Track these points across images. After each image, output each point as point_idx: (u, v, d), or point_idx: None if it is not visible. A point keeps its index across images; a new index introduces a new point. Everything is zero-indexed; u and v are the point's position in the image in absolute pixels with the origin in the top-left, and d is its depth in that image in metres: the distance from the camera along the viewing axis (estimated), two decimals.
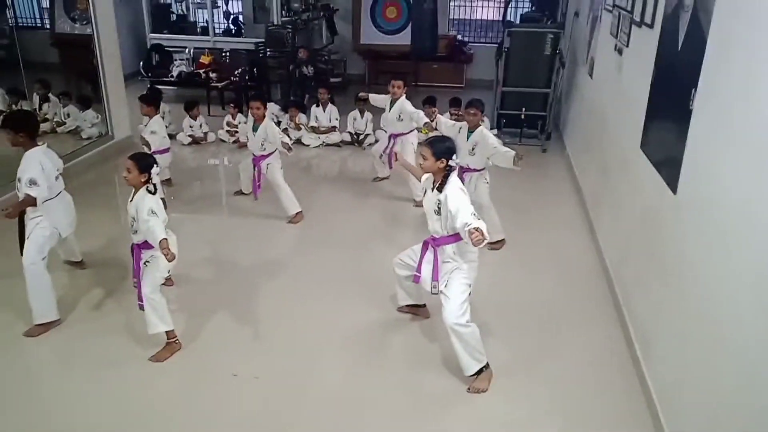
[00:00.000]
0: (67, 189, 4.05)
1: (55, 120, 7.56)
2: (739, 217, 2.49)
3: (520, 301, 4.37)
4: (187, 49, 10.66)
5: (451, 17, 12.50)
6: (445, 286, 3.35)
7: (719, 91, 2.82)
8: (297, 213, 5.61)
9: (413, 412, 3.28)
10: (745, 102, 2.52)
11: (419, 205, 5.52)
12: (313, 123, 8.18)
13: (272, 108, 8.12)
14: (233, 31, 12.42)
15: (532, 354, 3.78)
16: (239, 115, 8.25)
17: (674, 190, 3.24)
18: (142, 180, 3.43)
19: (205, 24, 12.11)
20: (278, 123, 7.76)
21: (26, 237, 3.80)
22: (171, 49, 10.86)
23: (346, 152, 7.97)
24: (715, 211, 2.74)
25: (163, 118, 6.39)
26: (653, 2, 4.12)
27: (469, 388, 3.39)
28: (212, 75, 9.93)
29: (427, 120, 5.41)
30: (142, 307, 3.53)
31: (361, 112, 8.07)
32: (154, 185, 3.48)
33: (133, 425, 3.17)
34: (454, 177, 3.30)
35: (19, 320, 3.92)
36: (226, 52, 10.60)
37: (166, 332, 3.62)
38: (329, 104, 8.21)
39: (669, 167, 3.36)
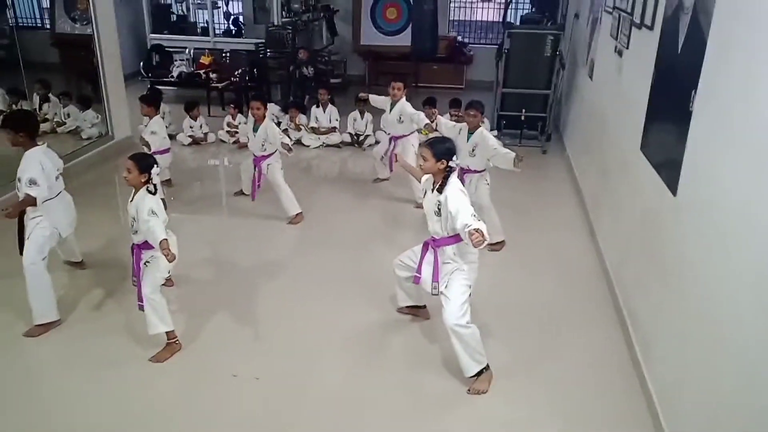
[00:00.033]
0: (67, 189, 4.05)
1: (55, 120, 7.56)
2: (739, 218, 2.50)
3: (520, 302, 4.37)
4: (187, 50, 10.66)
5: (451, 18, 12.51)
6: (446, 287, 3.35)
7: (719, 93, 2.83)
8: (297, 214, 5.61)
9: (413, 413, 3.28)
10: (745, 104, 2.53)
11: (420, 206, 5.53)
12: (313, 124, 8.18)
13: (272, 109, 8.12)
14: (233, 31, 12.42)
15: (533, 355, 3.78)
16: (239, 115, 8.25)
17: (674, 191, 3.25)
18: (143, 180, 3.43)
19: (206, 24, 12.11)
20: (278, 124, 7.75)
21: (26, 237, 3.80)
22: (171, 50, 10.86)
23: (346, 153, 7.97)
24: (715, 212, 2.74)
25: (163, 118, 6.39)
26: (653, 4, 4.13)
27: (469, 390, 3.39)
28: (212, 75, 9.93)
29: (428, 121, 5.41)
30: (142, 308, 3.53)
31: (361, 113, 8.07)
32: (155, 185, 3.48)
33: (133, 425, 3.17)
34: (454, 178, 3.30)
35: (19, 320, 3.92)
36: (226, 52, 10.60)
37: (167, 333, 3.62)
38: (329, 105, 8.21)
39: (669, 169, 3.36)
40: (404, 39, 10.78)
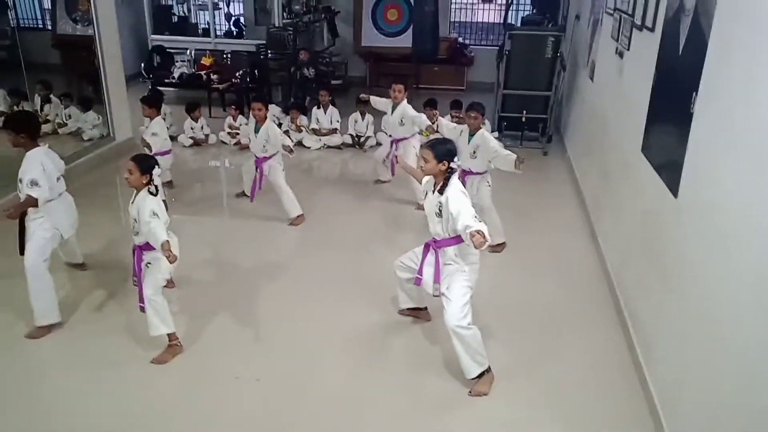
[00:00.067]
0: (68, 190, 4.05)
1: (56, 121, 7.56)
2: (739, 220, 2.50)
3: (521, 303, 4.37)
4: (188, 51, 10.67)
5: (452, 20, 12.52)
6: (447, 288, 3.35)
7: (720, 95, 2.83)
8: (298, 215, 5.61)
9: (414, 415, 3.28)
10: (746, 105, 2.53)
11: (421, 208, 5.53)
12: (314, 125, 8.19)
13: (273, 110, 8.13)
14: (234, 32, 12.43)
15: (534, 357, 3.78)
16: (240, 116, 8.25)
17: (675, 193, 3.25)
18: (144, 181, 3.43)
19: (207, 26, 12.12)
20: (279, 125, 7.74)
21: (28, 238, 3.80)
22: (172, 51, 10.86)
23: (347, 154, 7.97)
24: (716, 214, 2.74)
25: (164, 119, 6.40)
26: (654, 6, 4.13)
27: (470, 392, 3.39)
28: (213, 77, 9.94)
29: (430, 123, 5.41)
30: (143, 309, 3.53)
31: (362, 114, 8.07)
32: (156, 187, 3.48)
33: (134, 426, 3.17)
34: (455, 179, 3.30)
35: (20, 321, 3.93)
36: (227, 53, 10.61)
37: (168, 334, 3.62)
38: (330, 106, 8.22)
39: (670, 171, 3.37)
40: (405, 40, 10.79)
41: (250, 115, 5.55)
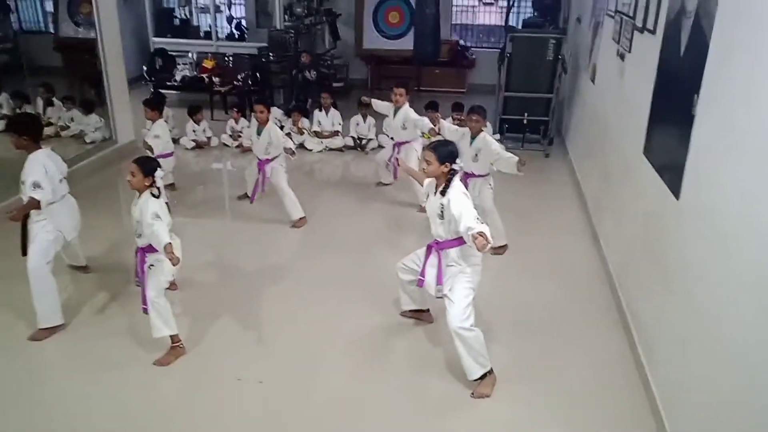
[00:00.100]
0: (70, 193, 4.06)
1: (58, 124, 7.59)
2: (741, 221, 2.50)
3: (523, 305, 4.37)
4: (190, 54, 10.69)
5: (453, 22, 12.52)
6: (450, 290, 3.36)
7: (721, 97, 2.83)
8: (300, 218, 5.62)
9: (416, 417, 3.28)
10: (748, 107, 2.53)
11: (423, 210, 5.52)
12: (315, 127, 8.20)
13: (275, 112, 8.14)
14: (236, 35, 12.43)
15: (536, 358, 3.78)
16: (242, 119, 8.27)
17: (677, 195, 3.25)
18: (146, 184, 3.44)
19: (209, 28, 12.13)
20: (281, 127, 7.74)
21: (31, 241, 3.81)
22: (174, 54, 10.87)
23: (348, 157, 7.98)
24: (717, 216, 2.74)
25: (166, 122, 6.42)
26: (655, 8, 4.13)
27: (473, 393, 3.39)
28: (215, 79, 9.96)
29: (432, 126, 5.42)
30: (146, 311, 3.54)
31: (364, 117, 8.08)
32: (158, 189, 3.49)
33: (136, 428, 3.18)
34: (456, 181, 3.31)
35: (22, 322, 3.94)
36: (229, 56, 10.62)
37: (171, 336, 3.62)
38: (332, 109, 8.22)
39: (671, 172, 3.37)
40: (406, 43, 10.79)
41: (252, 118, 5.56)
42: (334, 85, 10.42)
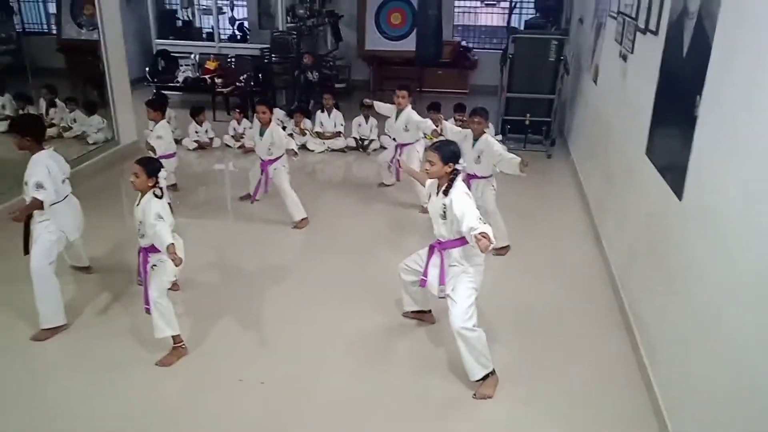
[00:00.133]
0: (73, 194, 4.07)
1: (61, 125, 7.58)
2: (743, 222, 2.50)
3: (525, 306, 4.37)
4: (192, 55, 10.70)
5: (455, 23, 12.52)
6: (452, 290, 3.36)
7: (724, 98, 2.83)
8: (302, 219, 5.62)
9: (418, 418, 3.28)
10: (750, 108, 2.53)
11: (425, 211, 5.53)
12: (318, 128, 8.21)
13: (277, 113, 8.14)
14: (238, 37, 12.44)
15: (538, 359, 3.78)
16: (244, 120, 8.28)
17: (679, 196, 3.25)
18: (150, 184, 3.45)
19: (211, 30, 12.14)
20: (283, 128, 7.76)
21: (33, 241, 3.82)
22: (177, 55, 10.90)
23: (350, 157, 7.99)
24: (720, 217, 2.74)
25: (169, 123, 6.43)
26: (658, 9, 4.13)
27: (475, 394, 3.39)
28: (218, 80, 9.98)
29: (435, 128, 5.42)
30: (148, 311, 3.54)
31: (366, 118, 8.09)
32: (161, 189, 3.49)
33: (138, 428, 3.18)
34: (459, 181, 3.31)
35: (23, 322, 3.94)
36: (231, 57, 10.64)
37: (173, 337, 3.63)
38: (334, 110, 8.23)
39: (674, 173, 3.37)
40: (408, 44, 10.79)
41: (255, 119, 5.56)
42: (336, 86, 10.43)
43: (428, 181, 3.56)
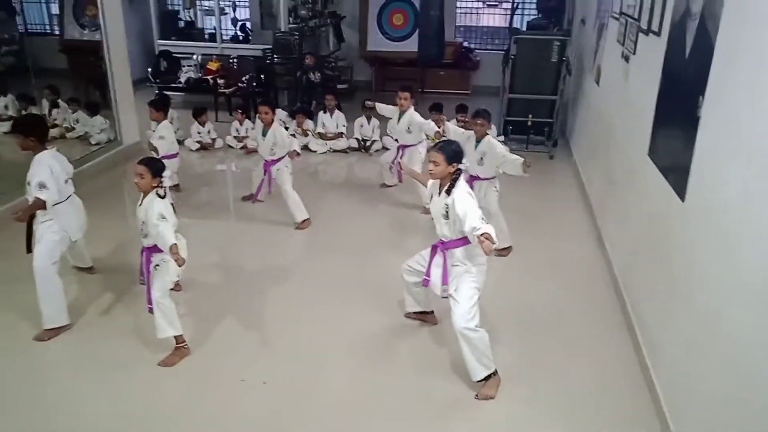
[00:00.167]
0: (76, 194, 4.08)
1: (64, 126, 7.61)
2: (746, 223, 2.50)
3: (527, 306, 4.37)
4: (194, 56, 10.70)
5: (457, 24, 12.52)
6: (455, 290, 3.36)
7: (727, 99, 2.83)
8: (304, 219, 5.62)
9: (420, 418, 3.28)
10: (753, 109, 2.53)
11: (427, 212, 5.53)
12: (320, 129, 8.21)
13: (280, 114, 8.15)
14: (241, 37, 12.46)
15: (540, 359, 3.78)
16: (247, 120, 8.29)
17: (682, 197, 3.25)
18: (154, 185, 3.45)
19: (213, 31, 12.15)
20: (286, 129, 7.77)
21: (37, 241, 3.83)
22: (179, 56, 10.90)
23: (353, 158, 7.99)
24: (722, 217, 2.74)
25: (171, 123, 6.43)
26: (660, 10, 4.13)
27: (477, 395, 3.39)
28: (220, 81, 9.98)
29: (438, 129, 5.42)
30: (151, 310, 3.55)
31: (368, 119, 8.09)
32: (164, 189, 3.50)
33: (140, 428, 3.19)
34: (461, 181, 3.31)
35: (26, 322, 3.95)
36: (233, 58, 10.64)
37: (175, 337, 3.63)
38: (336, 110, 8.24)
39: (677, 174, 3.36)
40: (411, 45, 10.80)
41: (257, 119, 5.57)
42: (339, 86, 10.43)
43: (430, 182, 3.56)
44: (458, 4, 12.32)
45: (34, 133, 3.80)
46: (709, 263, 2.84)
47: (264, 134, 5.44)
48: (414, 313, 4.09)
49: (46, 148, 3.85)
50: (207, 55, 10.74)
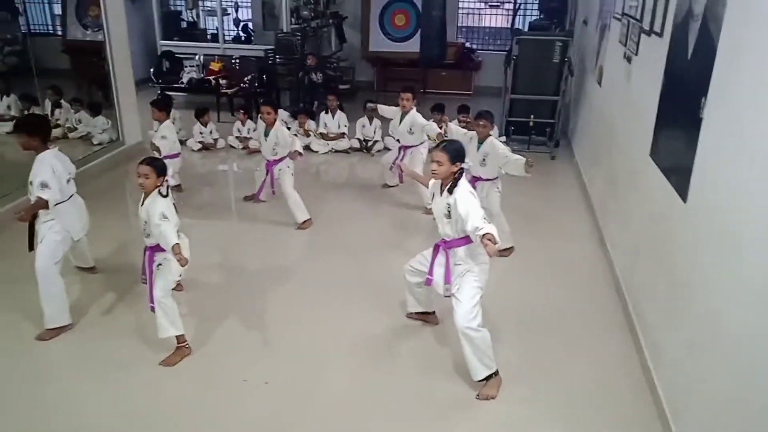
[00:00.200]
0: (78, 194, 4.08)
1: (66, 126, 7.62)
2: (748, 224, 2.49)
3: (528, 307, 4.37)
4: (197, 56, 10.72)
5: (459, 25, 12.54)
6: (457, 289, 3.36)
7: (729, 99, 2.83)
8: (306, 220, 5.63)
9: (421, 418, 3.28)
10: (756, 110, 2.53)
11: (428, 212, 5.54)
12: (322, 129, 8.22)
13: (282, 115, 8.15)
14: (243, 38, 12.49)
15: (541, 360, 3.77)
16: (249, 121, 8.30)
17: (684, 198, 3.24)
18: (158, 184, 3.45)
19: (215, 31, 12.18)
20: (288, 129, 7.78)
21: (39, 241, 3.83)
22: (181, 56, 10.93)
23: (354, 159, 8.00)
24: (725, 218, 2.74)
25: (173, 123, 6.44)
26: (663, 11, 4.13)
27: (478, 395, 3.39)
28: (222, 81, 10.00)
29: (439, 130, 5.42)
30: (153, 309, 3.55)
31: (370, 119, 8.09)
32: (167, 188, 3.50)
33: (142, 428, 3.19)
34: (463, 180, 3.31)
35: (28, 322, 3.96)
36: (235, 59, 10.66)
37: (177, 337, 3.64)
38: (338, 111, 8.25)
39: (679, 175, 3.36)
40: (412, 45, 10.81)
41: (259, 120, 5.57)
42: (340, 87, 10.45)
43: (431, 182, 3.56)
44: (460, 4, 12.34)
45: (36, 132, 3.80)
46: (711, 264, 2.83)
47: (266, 134, 5.44)
48: (416, 313, 4.09)
49: (48, 148, 3.86)
50: (209, 56, 10.76)
